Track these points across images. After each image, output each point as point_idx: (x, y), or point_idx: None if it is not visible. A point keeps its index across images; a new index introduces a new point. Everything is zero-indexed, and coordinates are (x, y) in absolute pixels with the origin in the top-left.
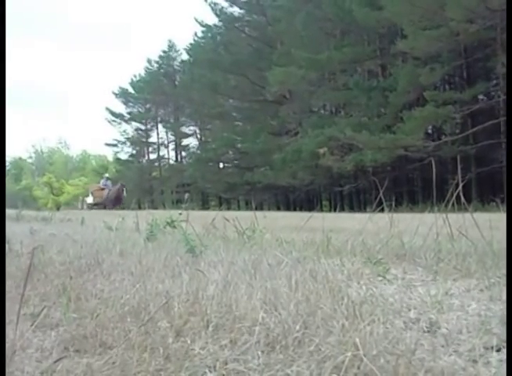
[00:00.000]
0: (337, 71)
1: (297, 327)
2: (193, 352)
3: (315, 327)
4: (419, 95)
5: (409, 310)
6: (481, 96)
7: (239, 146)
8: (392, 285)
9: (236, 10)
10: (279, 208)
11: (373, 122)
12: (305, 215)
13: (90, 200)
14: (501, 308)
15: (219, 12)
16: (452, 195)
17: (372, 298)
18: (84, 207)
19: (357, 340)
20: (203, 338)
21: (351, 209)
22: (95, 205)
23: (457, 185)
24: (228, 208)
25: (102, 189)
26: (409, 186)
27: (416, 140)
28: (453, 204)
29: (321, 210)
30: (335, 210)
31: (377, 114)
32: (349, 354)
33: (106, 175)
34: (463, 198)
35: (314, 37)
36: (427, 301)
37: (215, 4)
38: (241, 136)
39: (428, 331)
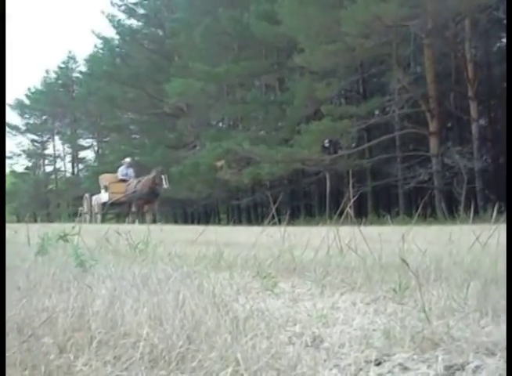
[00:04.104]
0: (235, 85)
1: (181, 343)
2: (76, 368)
3: (199, 342)
4: (316, 109)
5: (295, 324)
6: (376, 111)
7: (136, 158)
8: (280, 299)
9: (133, 23)
10: (176, 221)
11: (270, 136)
12: (202, 228)
13: (105, 198)
14: (384, 322)
15: (117, 25)
16: (344, 208)
17: (258, 312)
18: (96, 209)
19: (239, 355)
20: (87, 354)
21: (249, 222)
22: (113, 206)
23: (350, 198)
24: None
25: (123, 180)
26: (306, 199)
27: (313, 154)
28: (349, 217)
29: (218, 223)
30: (233, 223)
31: (275, 128)
32: (230, 369)
33: (128, 159)
34: (351, 212)
35: (212, 50)
36: (312, 315)
37: (113, 16)
38: (139, 149)
39: (312, 346)
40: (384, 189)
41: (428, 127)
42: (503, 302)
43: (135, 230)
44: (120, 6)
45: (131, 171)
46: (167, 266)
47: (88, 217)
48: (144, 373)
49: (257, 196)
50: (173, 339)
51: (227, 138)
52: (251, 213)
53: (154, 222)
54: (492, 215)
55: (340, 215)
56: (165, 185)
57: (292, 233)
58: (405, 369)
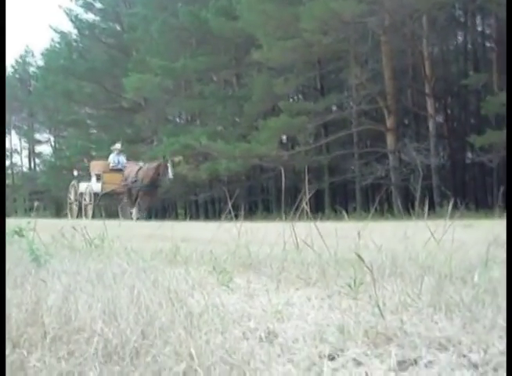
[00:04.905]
0: (192, 80)
1: (135, 338)
2: (29, 364)
3: (153, 337)
4: (273, 105)
5: (249, 320)
6: (334, 107)
7: (93, 154)
8: (235, 294)
9: (91, 17)
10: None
11: (228, 131)
12: (160, 223)
13: (97, 188)
14: (338, 317)
15: (74, 19)
16: (301, 204)
17: (213, 307)
18: (87, 200)
19: (192, 350)
20: (40, 349)
21: (207, 218)
22: (105, 196)
23: (306, 194)
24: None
25: (115, 170)
26: (263, 195)
27: (271, 150)
28: (306, 213)
29: (176, 218)
30: (190, 218)
31: (232, 123)
32: (183, 365)
33: (117, 145)
34: (307, 208)
35: (170, 45)
36: (267, 310)
37: (70, 10)
38: (96, 144)
39: (266, 341)
40: (342, 186)
41: (385, 123)
42: (457, 298)
43: (92, 226)
44: (78, 1)
45: (122, 159)
46: (122, 261)
47: (75, 207)
48: (98, 368)
49: (215, 191)
50: (127, 334)
51: (184, 133)
52: (209, 208)
53: (150, 217)
54: (447, 211)
55: (297, 210)
56: (170, 175)
57: (249, 229)
58: (359, 364)
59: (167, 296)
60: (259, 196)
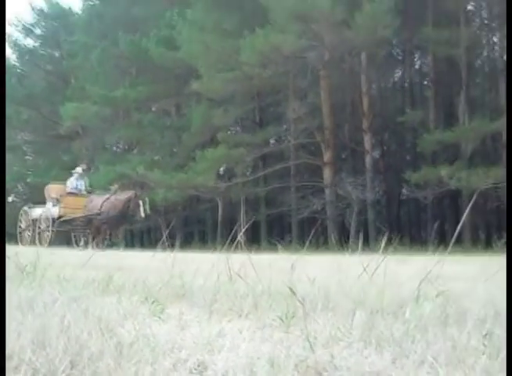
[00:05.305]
0: (131, 109)
1: (63, 368)
2: None
3: (82, 367)
4: (212, 136)
5: (180, 351)
6: (272, 140)
7: (29, 180)
8: (166, 325)
9: (30, 42)
10: (68, 244)
11: (165, 161)
12: (95, 252)
13: (55, 212)
14: (269, 350)
15: (13, 44)
16: (237, 235)
17: (143, 338)
18: (43, 225)
19: None
20: None
21: (142, 247)
22: (64, 223)
23: (242, 226)
24: (17, 243)
25: (73, 193)
26: (199, 225)
27: (208, 181)
28: (241, 245)
29: (111, 247)
30: (125, 247)
31: (170, 153)
32: None
33: (79, 169)
34: (242, 239)
35: (109, 74)
36: (198, 341)
37: (9, 36)
38: (32, 170)
39: (196, 372)
40: (278, 218)
41: (323, 157)
42: (388, 333)
43: (23, 253)
44: (17, 26)
45: (81, 184)
46: (54, 290)
47: (27, 235)
48: None
49: (151, 221)
50: (55, 363)
51: (121, 162)
52: (144, 238)
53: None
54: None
55: (233, 241)
56: (142, 213)
57: (183, 259)
58: None
59: (97, 326)
60: (195, 226)
